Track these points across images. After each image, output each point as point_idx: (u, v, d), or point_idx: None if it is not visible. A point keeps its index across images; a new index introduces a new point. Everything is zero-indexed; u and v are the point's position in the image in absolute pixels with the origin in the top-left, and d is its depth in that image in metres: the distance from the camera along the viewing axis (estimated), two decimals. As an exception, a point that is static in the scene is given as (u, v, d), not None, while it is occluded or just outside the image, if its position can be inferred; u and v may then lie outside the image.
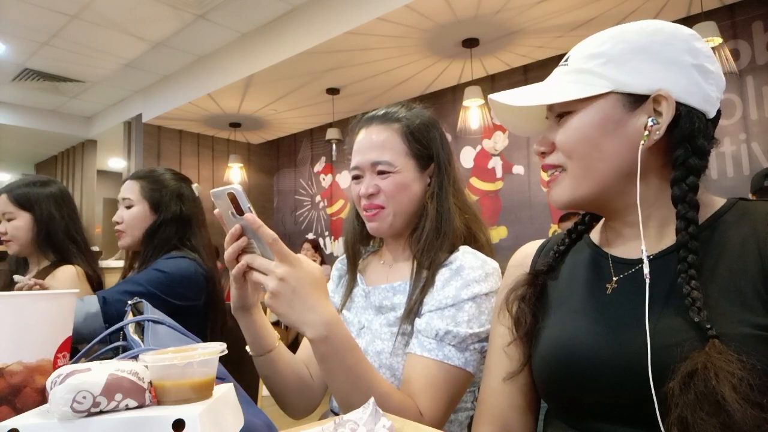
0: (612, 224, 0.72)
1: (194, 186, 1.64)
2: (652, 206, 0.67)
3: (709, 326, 0.54)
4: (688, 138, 0.63)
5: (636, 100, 0.65)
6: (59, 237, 1.70)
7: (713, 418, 0.51)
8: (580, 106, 0.67)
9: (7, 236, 1.68)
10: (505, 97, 0.70)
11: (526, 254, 0.84)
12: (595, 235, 0.77)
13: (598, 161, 0.66)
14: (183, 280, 1.40)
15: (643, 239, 0.63)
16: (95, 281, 1.71)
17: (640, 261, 0.65)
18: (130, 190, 1.54)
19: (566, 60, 0.70)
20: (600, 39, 0.67)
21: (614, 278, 0.68)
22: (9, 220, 1.68)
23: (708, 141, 0.65)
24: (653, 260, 0.64)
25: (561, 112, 0.69)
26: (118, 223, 1.54)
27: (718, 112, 0.67)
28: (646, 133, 0.63)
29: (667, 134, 0.64)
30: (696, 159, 0.63)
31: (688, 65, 0.64)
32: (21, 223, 1.68)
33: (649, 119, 0.63)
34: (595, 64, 0.66)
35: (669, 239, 0.65)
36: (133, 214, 1.52)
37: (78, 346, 0.72)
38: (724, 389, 0.50)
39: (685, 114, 0.63)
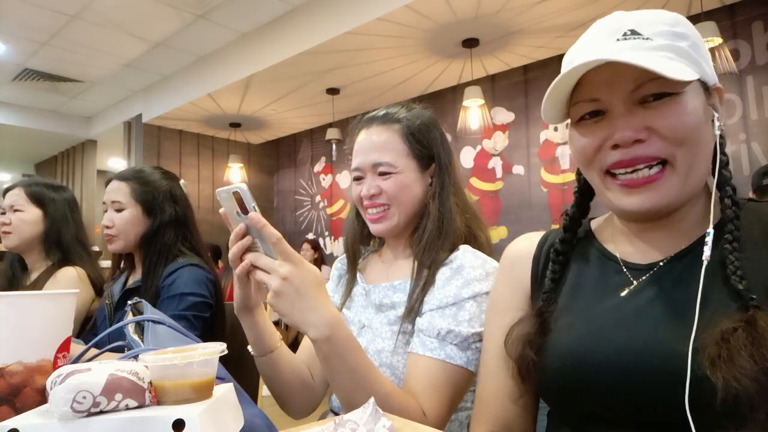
0: (632, 226, 0.68)
1: (181, 182, 1.58)
2: (690, 203, 0.64)
3: (753, 296, 0.53)
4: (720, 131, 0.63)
5: (707, 91, 0.62)
6: (68, 239, 1.71)
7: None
8: (681, 88, 0.59)
9: (9, 227, 1.67)
10: (611, 52, 0.58)
11: (520, 251, 0.80)
12: (601, 236, 0.74)
13: (703, 153, 0.61)
14: (207, 293, 1.39)
15: (711, 221, 0.60)
16: (98, 284, 1.71)
17: (654, 266, 0.64)
18: (119, 192, 1.46)
19: (635, 33, 0.59)
20: (666, 17, 0.61)
21: (630, 284, 0.65)
22: (16, 211, 1.68)
23: None
24: (666, 263, 0.63)
25: (659, 93, 0.59)
26: (108, 227, 1.46)
27: None
28: (718, 124, 0.61)
29: None
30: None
31: (709, 59, 0.63)
32: (28, 217, 1.68)
33: (714, 113, 0.62)
34: (686, 45, 0.60)
35: (685, 241, 0.64)
36: (126, 218, 1.45)
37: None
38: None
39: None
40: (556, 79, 0.60)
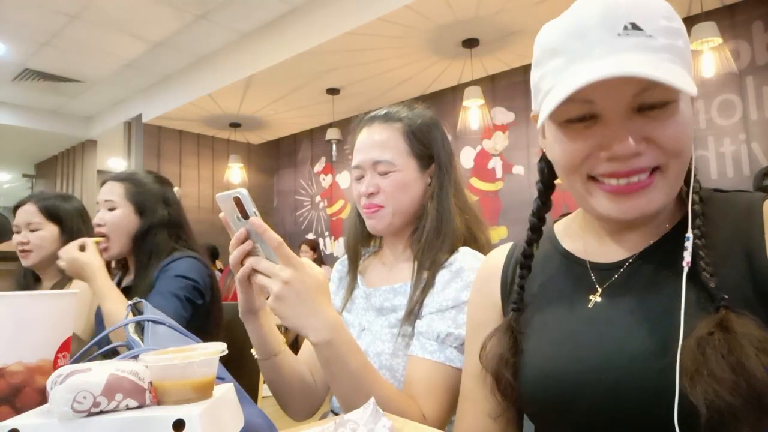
0: (606, 226, 0.66)
1: (175, 189, 1.60)
2: None
3: (725, 296, 0.52)
4: None
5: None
6: None
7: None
8: (678, 95, 0.55)
9: (28, 246, 1.65)
10: (615, 66, 0.51)
11: (490, 266, 0.78)
12: (565, 236, 0.72)
13: (688, 160, 0.58)
14: (201, 282, 1.39)
15: (690, 225, 0.57)
16: None
17: (621, 264, 0.62)
18: (113, 191, 1.46)
19: (636, 28, 0.53)
20: (660, 5, 0.55)
21: (596, 291, 0.63)
22: (33, 230, 1.66)
23: None
24: (633, 262, 0.62)
25: (662, 102, 0.54)
26: (99, 225, 1.45)
27: None
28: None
29: None
30: None
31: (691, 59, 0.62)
32: (47, 234, 1.66)
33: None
34: (682, 44, 0.55)
35: (652, 237, 0.62)
36: (118, 217, 1.44)
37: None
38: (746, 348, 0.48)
39: None
40: (562, 94, 0.53)
